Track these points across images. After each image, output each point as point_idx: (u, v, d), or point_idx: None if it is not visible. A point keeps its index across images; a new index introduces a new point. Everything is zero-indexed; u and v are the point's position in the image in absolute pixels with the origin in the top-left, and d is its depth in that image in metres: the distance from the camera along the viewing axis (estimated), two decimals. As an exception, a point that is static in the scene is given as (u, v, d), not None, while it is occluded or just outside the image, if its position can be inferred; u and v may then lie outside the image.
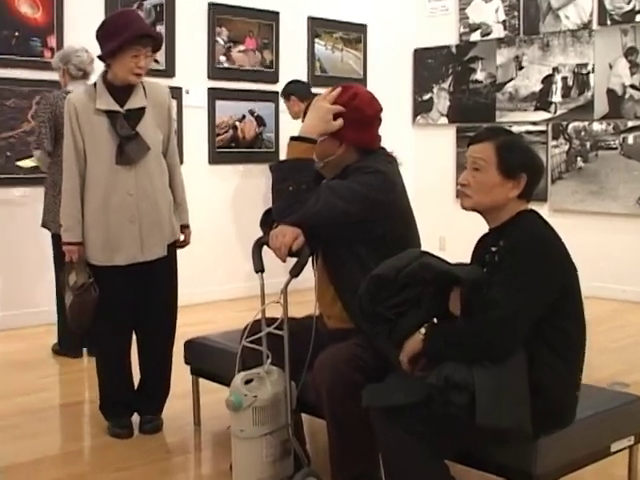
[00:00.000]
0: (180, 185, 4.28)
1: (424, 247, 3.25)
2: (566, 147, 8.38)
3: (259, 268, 3.32)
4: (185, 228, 4.30)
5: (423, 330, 2.90)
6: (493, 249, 2.91)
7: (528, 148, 3.01)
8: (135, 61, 3.93)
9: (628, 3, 7.83)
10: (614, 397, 3.37)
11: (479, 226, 3.09)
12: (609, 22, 7.98)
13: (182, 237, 4.31)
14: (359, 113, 3.35)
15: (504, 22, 8.84)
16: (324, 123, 3.27)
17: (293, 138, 3.29)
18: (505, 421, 2.62)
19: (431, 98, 9.56)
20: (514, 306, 2.69)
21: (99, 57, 4.04)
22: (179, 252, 4.32)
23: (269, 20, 8.14)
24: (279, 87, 7.97)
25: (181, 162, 4.51)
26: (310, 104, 3.40)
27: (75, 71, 5.52)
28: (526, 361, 2.71)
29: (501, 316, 2.69)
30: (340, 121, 3.28)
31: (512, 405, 2.64)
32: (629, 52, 7.84)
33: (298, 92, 7.37)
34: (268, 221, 3.42)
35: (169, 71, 7.42)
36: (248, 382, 3.24)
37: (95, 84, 4.08)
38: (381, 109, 3.43)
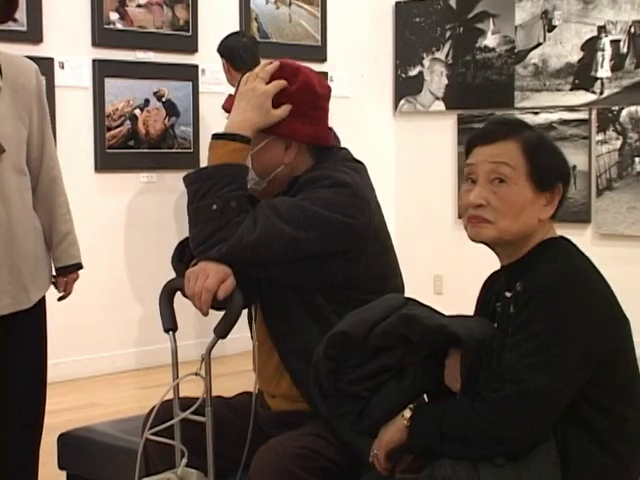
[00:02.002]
0: (63, 207, 4.27)
1: (410, 292, 3.22)
2: (618, 143, 8.40)
3: (169, 326, 3.26)
4: (72, 270, 4.29)
5: (408, 413, 2.80)
6: (508, 295, 2.92)
7: (557, 147, 3.03)
8: None
9: None
10: None
11: (493, 258, 3.03)
12: None
13: (60, 288, 4.28)
14: (310, 94, 3.39)
15: None
16: (260, 113, 3.29)
17: (216, 136, 3.30)
18: None
19: (420, 74, 9.65)
20: (541, 379, 2.67)
21: None
22: (49, 302, 4.25)
23: None
24: (199, 59, 8.21)
25: None
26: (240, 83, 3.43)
27: None
28: (558, 456, 2.71)
29: (523, 394, 2.67)
30: (286, 107, 3.31)
31: None
32: None
33: (232, 54, 7.34)
34: (184, 256, 3.39)
35: (34, 34, 7.39)
36: None
37: None
38: (330, 89, 3.46)
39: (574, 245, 2.96)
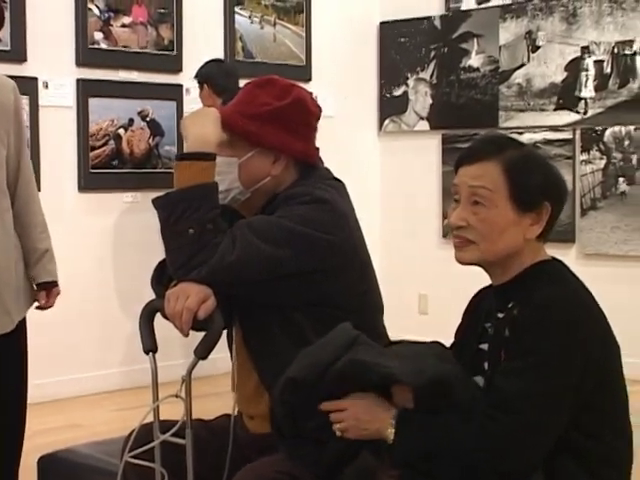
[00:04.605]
0: (39, 226, 4.27)
1: (394, 312, 3.37)
2: (602, 163, 8.48)
3: (149, 347, 3.23)
4: (50, 287, 4.28)
5: (391, 427, 2.75)
6: (500, 315, 2.88)
7: (547, 164, 3.02)
8: None
9: None
10: None
11: (478, 277, 3.04)
12: None
13: (41, 300, 4.28)
14: (303, 111, 3.42)
15: None
16: (217, 128, 3.31)
17: (181, 157, 3.30)
18: None
19: (405, 93, 9.69)
20: (544, 413, 2.66)
21: None
22: (31, 321, 4.30)
23: None
24: (183, 78, 8.19)
25: (37, 189, 4.54)
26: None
27: None
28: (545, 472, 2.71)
29: (525, 426, 2.65)
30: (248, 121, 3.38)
31: None
32: None
33: (213, 79, 7.34)
34: (163, 278, 3.36)
35: (18, 53, 7.38)
36: None
37: None
38: (321, 110, 3.47)
39: (567, 267, 2.95)
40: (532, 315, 2.77)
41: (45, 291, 4.27)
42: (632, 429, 2.89)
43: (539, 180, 2.89)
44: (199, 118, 3.34)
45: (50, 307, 4.34)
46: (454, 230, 2.91)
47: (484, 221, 2.85)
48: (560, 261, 2.96)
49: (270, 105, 3.39)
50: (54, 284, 4.30)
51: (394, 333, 3.40)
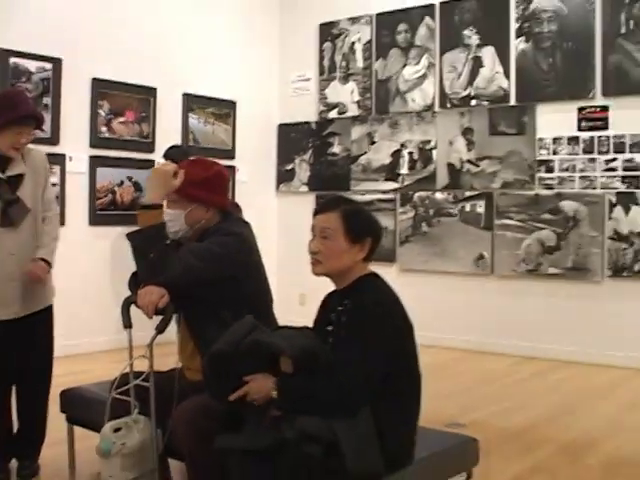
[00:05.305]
0: (52, 231, 4.17)
1: (284, 304, 3.22)
2: (412, 214, 8.74)
3: (127, 324, 3.28)
4: (42, 261, 4.11)
5: (274, 390, 2.79)
6: (340, 308, 2.92)
7: (369, 214, 3.02)
8: (18, 137, 3.93)
9: (465, 89, 8.49)
10: (449, 438, 3.53)
11: (331, 284, 3.09)
12: (449, 105, 8.59)
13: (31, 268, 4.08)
14: (222, 177, 3.47)
15: (358, 102, 9.25)
16: (164, 186, 3.28)
17: (142, 207, 3.27)
18: (374, 466, 2.69)
19: (293, 168, 9.80)
20: (363, 366, 2.71)
21: None
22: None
23: (147, 95, 8.37)
24: (155, 156, 8.18)
25: (63, 223, 4.45)
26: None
27: None
28: (371, 412, 2.75)
29: (352, 376, 2.71)
30: (180, 176, 3.31)
31: (373, 451, 2.70)
32: (466, 131, 8.44)
33: (173, 156, 7.19)
34: (136, 282, 3.36)
35: (54, 139, 7.50)
36: (117, 430, 3.23)
37: None
38: (230, 178, 3.29)
39: (383, 280, 2.97)
40: (358, 305, 2.83)
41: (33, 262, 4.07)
42: (420, 378, 2.95)
43: (363, 224, 2.94)
44: (153, 180, 3.29)
45: (36, 276, 4.04)
46: (311, 254, 2.95)
47: (328, 249, 2.90)
48: (379, 275, 2.98)
49: (201, 176, 3.38)
50: (45, 261, 4.09)
51: (283, 319, 3.45)
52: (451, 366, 7.57)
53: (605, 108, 7.66)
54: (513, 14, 8.24)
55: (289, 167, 9.89)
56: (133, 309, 3.29)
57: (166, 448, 3.33)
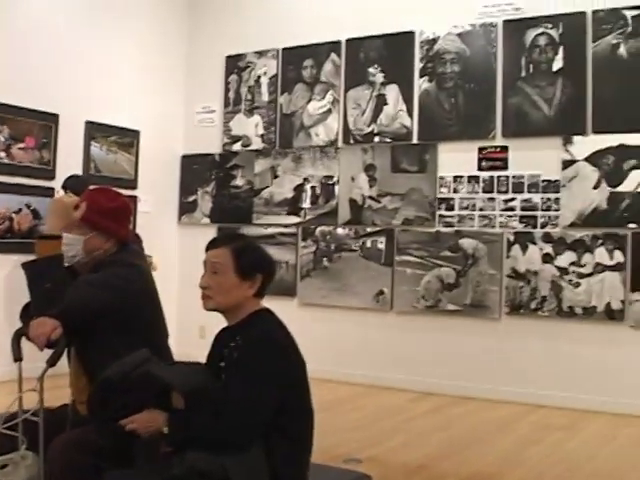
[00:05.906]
0: None
1: (184, 336, 3.33)
2: (314, 248, 8.80)
3: (17, 357, 3.21)
4: None
5: (165, 425, 2.79)
6: (232, 344, 2.91)
7: (261, 250, 3.05)
8: None
9: (368, 126, 8.62)
10: (343, 474, 3.60)
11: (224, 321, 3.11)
12: (352, 141, 8.70)
13: None
14: (126, 209, 3.50)
15: (262, 136, 9.31)
16: (65, 217, 3.32)
17: (40, 237, 3.37)
18: None
19: (195, 200, 9.77)
20: (253, 403, 2.73)
21: None
22: None
23: (49, 121, 8.29)
24: (55, 183, 8.10)
25: None
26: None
27: None
28: (262, 448, 2.76)
29: (242, 413, 2.73)
30: (81, 208, 3.33)
31: None
32: (368, 168, 8.56)
33: (72, 186, 7.23)
34: (28, 313, 3.32)
35: None
36: (3, 467, 3.14)
37: None
38: (132, 210, 3.49)
39: (275, 315, 2.99)
40: (249, 341, 2.85)
41: None
42: (313, 414, 2.97)
43: (254, 260, 2.96)
44: (53, 211, 3.36)
45: None
46: (201, 289, 2.97)
47: (218, 284, 2.91)
48: (271, 311, 3.01)
49: (106, 206, 3.38)
50: None
51: (182, 351, 3.39)
52: (349, 401, 7.61)
53: (505, 148, 7.89)
54: (417, 54, 8.42)
55: (191, 199, 9.90)
56: (24, 341, 3.22)
57: None
